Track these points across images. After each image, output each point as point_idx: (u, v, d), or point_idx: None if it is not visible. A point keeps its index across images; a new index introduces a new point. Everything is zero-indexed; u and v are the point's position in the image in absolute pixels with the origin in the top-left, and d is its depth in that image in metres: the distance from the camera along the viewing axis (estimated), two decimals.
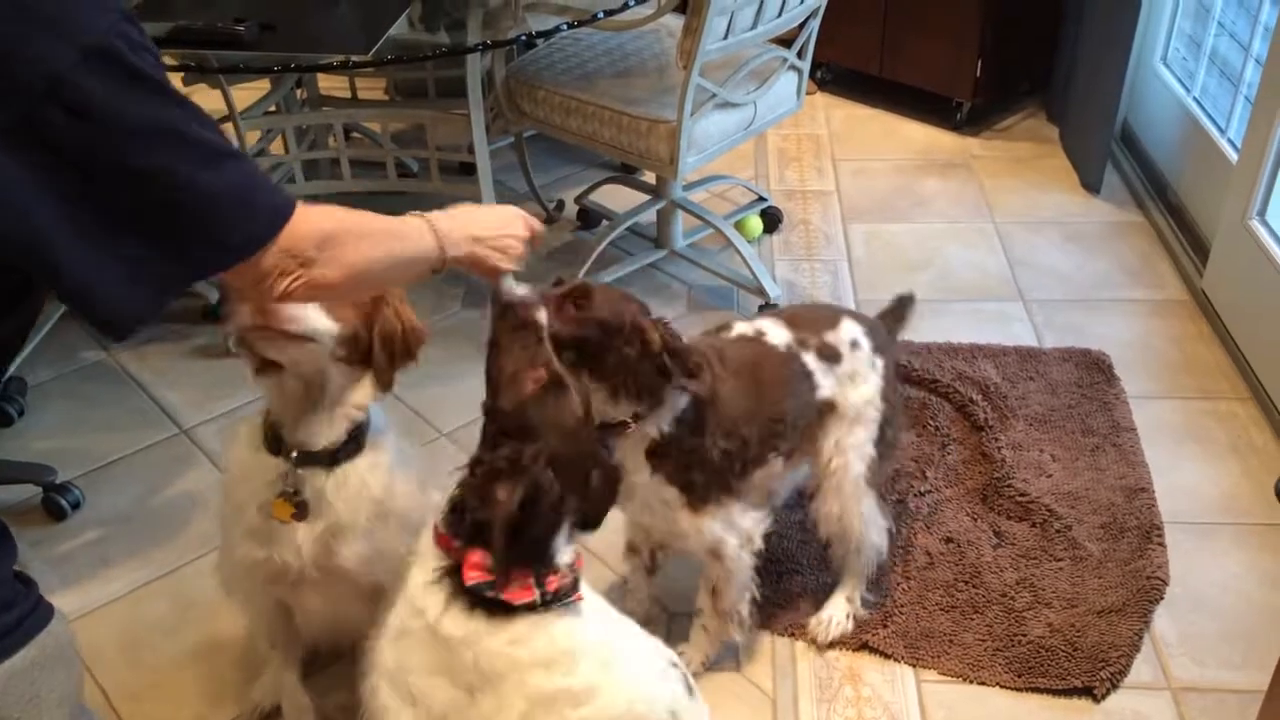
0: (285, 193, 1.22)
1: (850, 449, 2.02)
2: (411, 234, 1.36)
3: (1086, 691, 2.02)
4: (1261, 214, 2.75)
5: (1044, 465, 2.48)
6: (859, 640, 2.12)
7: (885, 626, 2.13)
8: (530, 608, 1.35)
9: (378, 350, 1.65)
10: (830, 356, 2.01)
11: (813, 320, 2.06)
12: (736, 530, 1.92)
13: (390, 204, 3.96)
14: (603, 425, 1.70)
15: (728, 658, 2.09)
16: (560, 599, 1.38)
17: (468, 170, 3.20)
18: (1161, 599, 2.18)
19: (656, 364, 1.73)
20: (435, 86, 3.48)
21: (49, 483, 2.44)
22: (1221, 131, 3.12)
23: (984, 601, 2.17)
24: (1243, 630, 2.14)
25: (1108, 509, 2.36)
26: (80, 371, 2.92)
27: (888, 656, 2.10)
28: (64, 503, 2.43)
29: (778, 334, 2.00)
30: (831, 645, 2.12)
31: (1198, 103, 3.30)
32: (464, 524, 1.36)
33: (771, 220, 3.46)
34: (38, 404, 2.80)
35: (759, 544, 1.96)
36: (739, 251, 3.09)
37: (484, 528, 1.33)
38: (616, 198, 3.43)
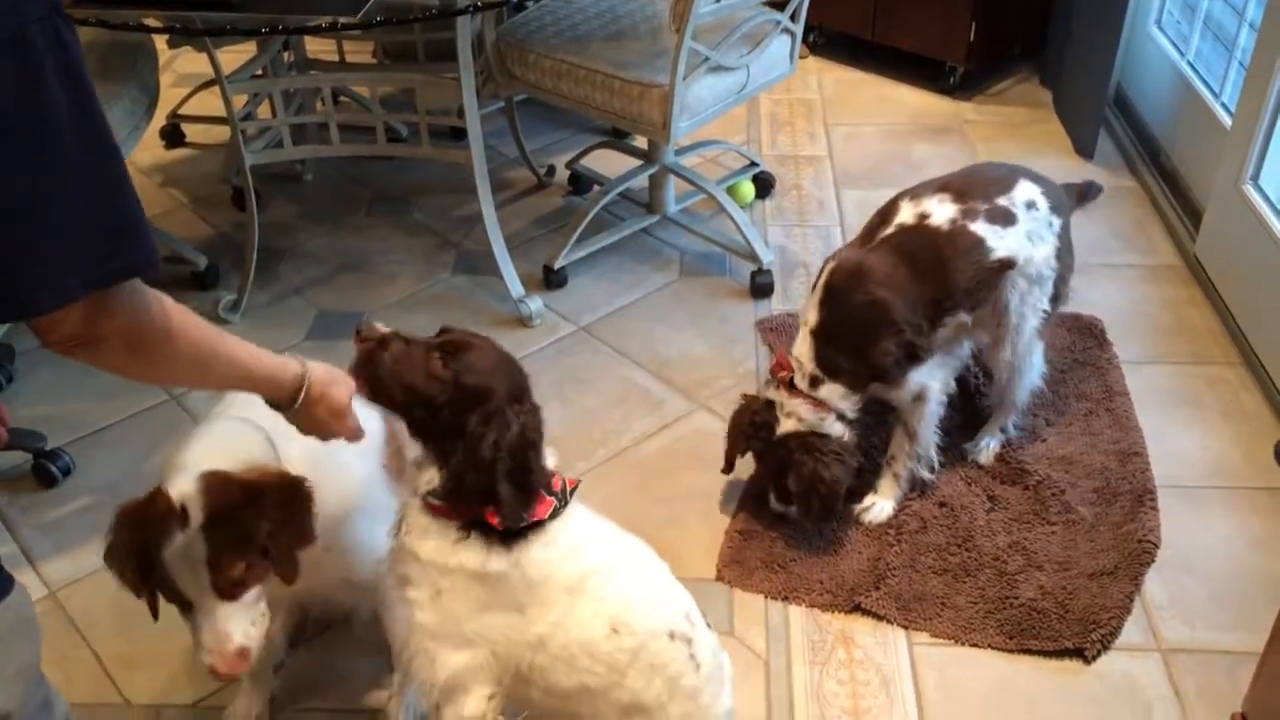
0: (153, 248, 1.10)
1: (1027, 305, 2.25)
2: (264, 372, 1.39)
3: (1077, 653, 2.03)
4: (1255, 178, 2.75)
5: (1038, 430, 2.49)
6: (851, 602, 2.13)
7: (878, 589, 2.14)
8: (555, 514, 1.53)
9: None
10: (1003, 219, 2.19)
11: (984, 185, 2.24)
12: (935, 377, 2.23)
13: (381, 168, 3.94)
14: None
15: (721, 620, 2.10)
16: (571, 492, 1.56)
17: (458, 135, 3.17)
18: (1153, 562, 2.19)
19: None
20: (424, 50, 3.44)
21: (39, 449, 2.43)
22: (1215, 96, 3.10)
23: (976, 565, 2.18)
24: (1232, 592, 2.15)
25: (1101, 473, 2.37)
26: None
27: (880, 619, 2.11)
28: (54, 469, 2.42)
29: (943, 211, 2.19)
30: (826, 608, 2.14)
31: (1192, 67, 3.28)
32: (463, 494, 1.47)
33: (764, 185, 3.45)
34: (25, 371, 2.78)
35: (951, 388, 2.33)
36: (731, 217, 3.08)
37: (487, 492, 1.46)
38: (608, 163, 3.41)
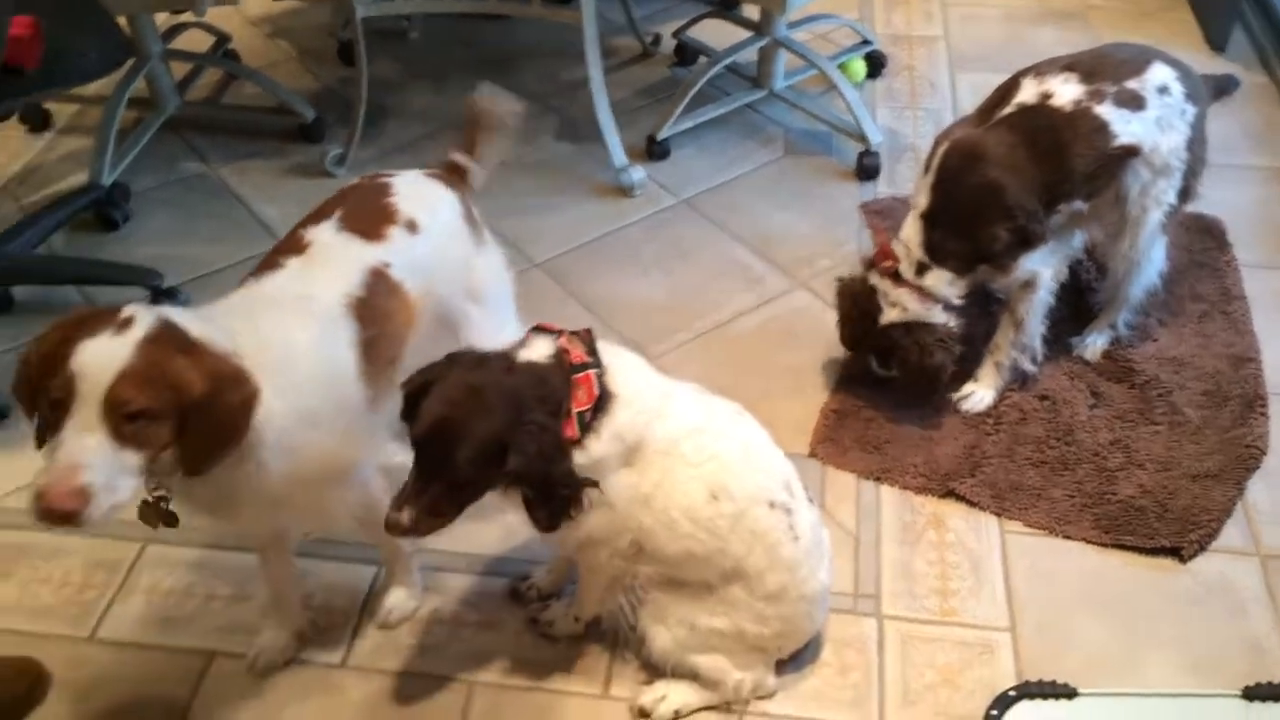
0: None
1: (1150, 198, 2.17)
2: None
3: (1173, 552, 2.02)
4: None
5: (1149, 328, 2.43)
6: (945, 487, 2.14)
7: (973, 476, 2.14)
8: (603, 385, 1.55)
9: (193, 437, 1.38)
10: (1131, 103, 2.10)
11: (1116, 66, 2.15)
12: (1047, 264, 2.17)
13: (486, 29, 3.86)
14: None
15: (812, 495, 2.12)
16: (594, 343, 1.59)
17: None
18: (1258, 468, 2.15)
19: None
20: None
21: (156, 287, 2.50)
22: None
23: (1075, 459, 2.16)
24: None
25: (1212, 376, 2.32)
26: (182, 182, 2.95)
27: (974, 505, 2.12)
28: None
29: (1067, 91, 2.10)
30: (919, 491, 2.14)
31: None
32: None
33: (875, 65, 3.35)
34: (142, 211, 2.85)
35: (1064, 276, 2.25)
36: (842, 95, 3.00)
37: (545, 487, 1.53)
38: (716, 34, 3.33)
